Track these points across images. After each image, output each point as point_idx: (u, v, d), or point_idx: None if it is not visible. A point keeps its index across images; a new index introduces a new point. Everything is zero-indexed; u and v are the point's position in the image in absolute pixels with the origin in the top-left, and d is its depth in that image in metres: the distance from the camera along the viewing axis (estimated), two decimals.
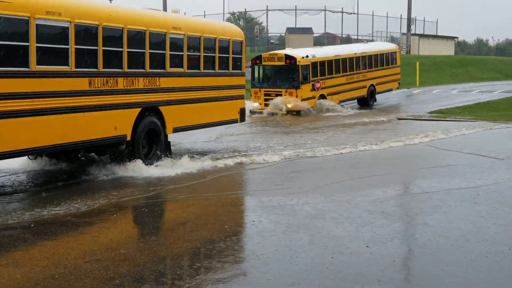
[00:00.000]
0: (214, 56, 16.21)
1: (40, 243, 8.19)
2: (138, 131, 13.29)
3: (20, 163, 13.53)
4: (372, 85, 32.84)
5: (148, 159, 13.71)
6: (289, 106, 26.86)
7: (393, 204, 10.47)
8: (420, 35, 67.62)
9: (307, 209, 9.98)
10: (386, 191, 11.41)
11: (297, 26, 65.06)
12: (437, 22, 75.26)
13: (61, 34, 11.26)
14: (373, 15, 66.90)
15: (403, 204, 10.71)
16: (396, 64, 35.72)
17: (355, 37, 66.19)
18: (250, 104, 28.00)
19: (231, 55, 16.96)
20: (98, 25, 12.10)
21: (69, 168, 13.70)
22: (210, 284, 6.63)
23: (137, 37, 13.30)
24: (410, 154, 16.62)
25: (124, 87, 12.87)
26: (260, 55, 29.36)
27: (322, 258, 7.49)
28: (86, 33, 11.89)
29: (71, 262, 7.30)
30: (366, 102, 32.41)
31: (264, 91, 28.08)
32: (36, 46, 10.62)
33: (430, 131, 20.44)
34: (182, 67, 14.88)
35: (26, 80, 10.55)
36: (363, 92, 32.32)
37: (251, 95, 28.43)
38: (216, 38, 16.22)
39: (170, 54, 14.33)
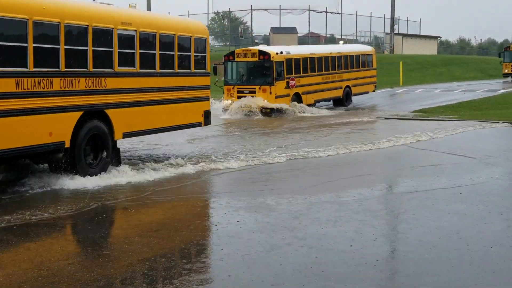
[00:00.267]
0: (173, 54, 14.56)
1: None
2: (79, 137, 11.64)
3: None
4: (348, 86, 31.41)
5: (93, 168, 12.07)
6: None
7: (377, 204, 10.29)
8: (404, 35, 66.43)
9: (290, 209, 9.73)
10: (370, 191, 11.13)
11: (281, 26, 63.62)
12: (420, 22, 73.87)
13: None
14: (357, 15, 65.48)
15: (387, 203, 10.55)
16: (372, 66, 34.30)
17: (339, 36, 64.68)
18: (223, 102, 27.03)
19: (193, 54, 15.32)
20: (27, 19, 10.43)
21: (5, 177, 12.02)
22: (195, 285, 6.47)
23: (77, 34, 11.65)
24: (392, 155, 16.04)
25: (61, 88, 11.20)
26: (233, 51, 27.80)
27: (306, 258, 7.32)
28: (13, 28, 10.25)
29: None
30: (341, 103, 31.03)
31: (237, 88, 26.55)
32: None
33: (413, 131, 19.71)
34: (133, 66, 13.22)
35: None
36: (339, 93, 30.81)
37: (223, 93, 27.20)
38: (175, 35, 14.57)
39: (118, 52, 12.67)
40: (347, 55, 31.56)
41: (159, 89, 14.09)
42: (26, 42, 10.45)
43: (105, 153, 12.34)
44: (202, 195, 11.45)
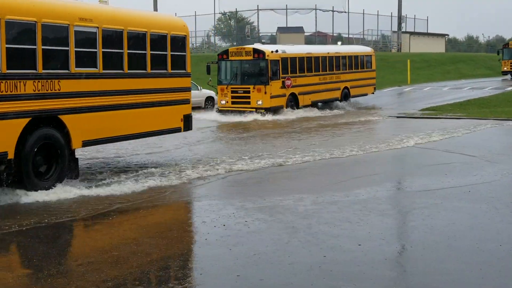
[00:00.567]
0: (145, 53, 12.95)
1: None
2: (26, 147, 10.04)
3: None
4: (346, 87, 29.55)
5: (44, 182, 10.47)
6: None
7: (386, 203, 9.95)
8: (411, 33, 64.40)
9: (299, 209, 9.41)
10: (378, 190, 10.79)
11: (288, 26, 61.84)
12: (427, 19, 71.63)
13: None
14: (363, 13, 63.39)
15: (395, 202, 10.24)
16: (371, 68, 32.29)
17: (346, 35, 62.81)
18: (217, 102, 25.97)
19: (169, 53, 13.70)
20: None
21: None
22: (204, 285, 6.30)
23: (22, 31, 10.08)
24: (401, 154, 15.44)
25: (2, 92, 9.61)
26: (227, 50, 26.16)
27: (315, 257, 7.11)
28: None
29: None
30: (338, 107, 29.04)
31: (231, 88, 24.90)
32: None
33: (423, 130, 19.10)
34: (95, 67, 11.61)
35: None
36: (337, 94, 28.96)
37: (217, 93, 25.79)
38: (146, 32, 12.95)
39: (76, 51, 11.06)
40: (346, 56, 29.74)
41: (128, 92, 12.48)
42: None
43: (60, 164, 10.74)
44: (209, 196, 10.68)
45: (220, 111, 24.99)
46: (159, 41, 13.39)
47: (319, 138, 18.36)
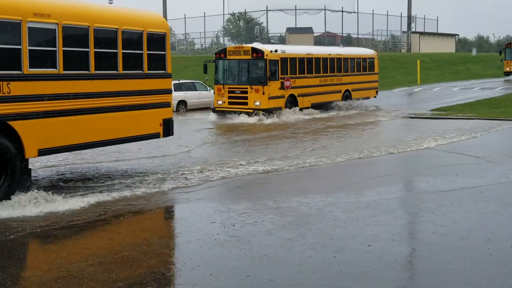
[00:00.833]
0: (116, 52, 11.55)
1: None
2: None
3: None
4: (347, 90, 27.99)
5: None
6: None
7: (396, 203, 9.76)
8: (421, 33, 62.76)
9: (308, 210, 9.25)
10: (388, 191, 10.64)
11: (297, 26, 60.52)
12: (437, 19, 70.18)
13: None
14: (373, 13, 61.85)
15: (405, 203, 9.98)
16: (374, 71, 30.63)
17: (356, 36, 61.22)
18: (214, 102, 24.57)
19: (145, 52, 12.30)
20: None
21: None
22: (213, 285, 6.17)
23: None
24: (412, 155, 14.94)
25: None
26: (225, 48, 24.75)
27: (325, 257, 7.01)
28: None
29: None
30: (340, 108, 27.38)
31: (228, 88, 23.47)
32: None
33: (433, 131, 18.61)
34: (55, 67, 10.23)
35: None
36: (338, 97, 27.39)
37: (214, 93, 24.42)
38: (117, 29, 11.56)
39: (29, 50, 9.70)
40: (348, 58, 28.15)
41: (94, 95, 11.10)
42: None
43: (11, 176, 9.40)
44: (217, 198, 10.47)
45: (216, 111, 23.64)
46: (133, 39, 12.01)
47: (325, 140, 17.53)
